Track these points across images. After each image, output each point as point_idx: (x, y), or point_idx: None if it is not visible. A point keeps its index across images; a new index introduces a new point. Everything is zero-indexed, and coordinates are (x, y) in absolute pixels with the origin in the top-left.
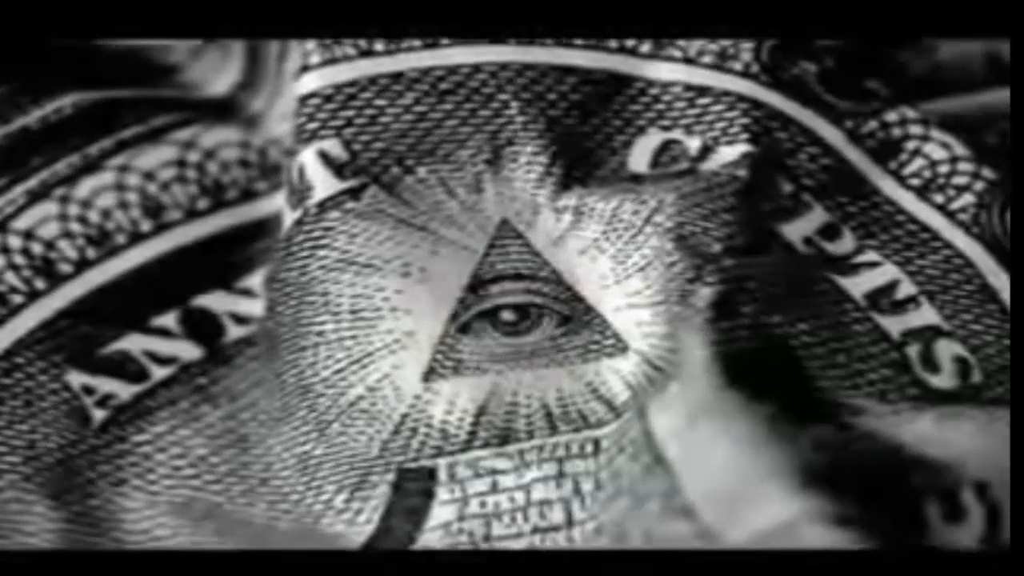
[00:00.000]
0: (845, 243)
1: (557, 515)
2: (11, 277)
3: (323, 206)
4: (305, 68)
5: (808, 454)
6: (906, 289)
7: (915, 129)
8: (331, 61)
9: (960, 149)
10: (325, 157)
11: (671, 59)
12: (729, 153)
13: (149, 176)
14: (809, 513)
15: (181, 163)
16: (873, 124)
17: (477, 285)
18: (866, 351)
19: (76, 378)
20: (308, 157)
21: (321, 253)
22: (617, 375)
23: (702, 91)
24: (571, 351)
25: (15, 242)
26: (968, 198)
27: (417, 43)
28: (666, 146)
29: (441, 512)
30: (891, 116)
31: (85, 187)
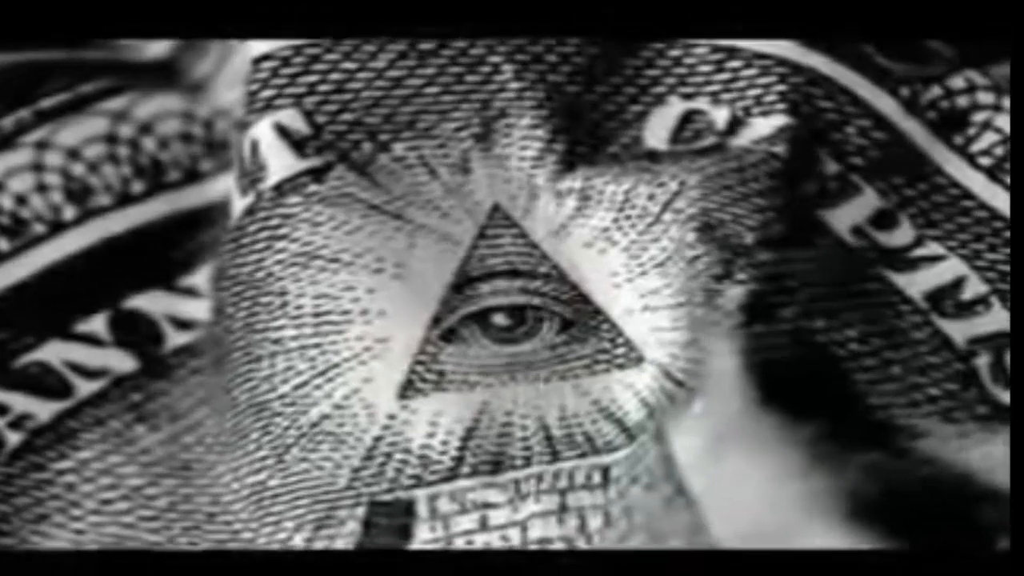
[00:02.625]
0: (902, 233)
1: None
2: None
3: (280, 189)
4: None
5: (858, 484)
6: (974, 288)
7: (985, 97)
8: None
9: None
10: (283, 131)
11: None
12: (764, 126)
13: (73, 154)
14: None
15: (111, 138)
16: (935, 91)
17: (464, 283)
18: (926, 362)
19: None
20: (262, 131)
21: (278, 245)
22: (630, 390)
23: (731, 53)
24: (575, 362)
25: None
26: None
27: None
28: (688, 118)
29: None
30: (956, 82)
31: None
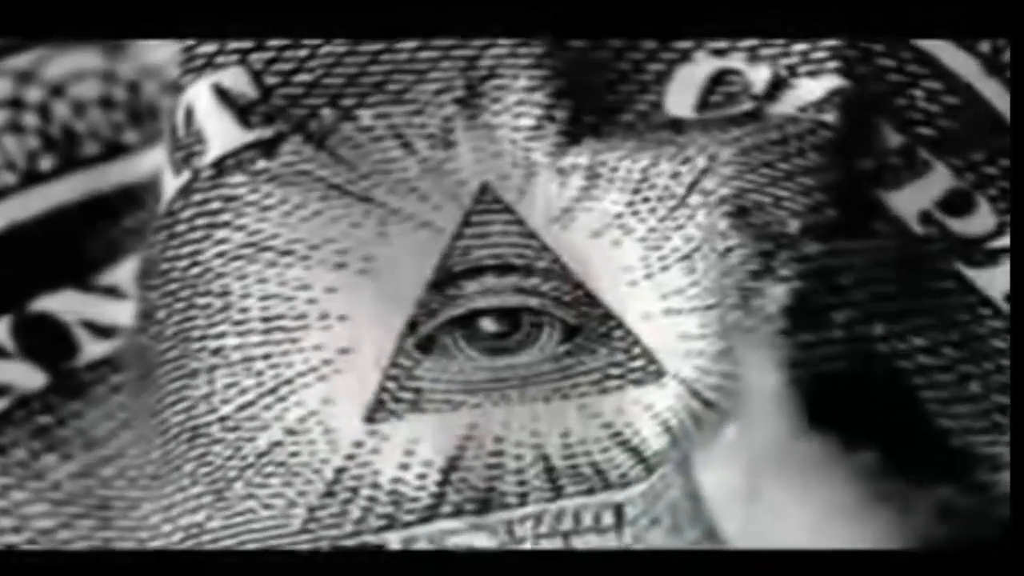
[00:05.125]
0: (980, 220)
1: None
2: None
3: (221, 166)
4: None
5: (927, 526)
6: None
7: None
8: None
9: None
10: (224, 95)
11: None
12: (812, 89)
13: None
14: None
15: (15, 103)
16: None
17: (445, 281)
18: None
19: None
20: (200, 95)
21: (219, 235)
22: (649, 412)
23: None
24: (581, 377)
25: None
26: None
27: None
28: (720, 78)
29: None
30: None
31: None
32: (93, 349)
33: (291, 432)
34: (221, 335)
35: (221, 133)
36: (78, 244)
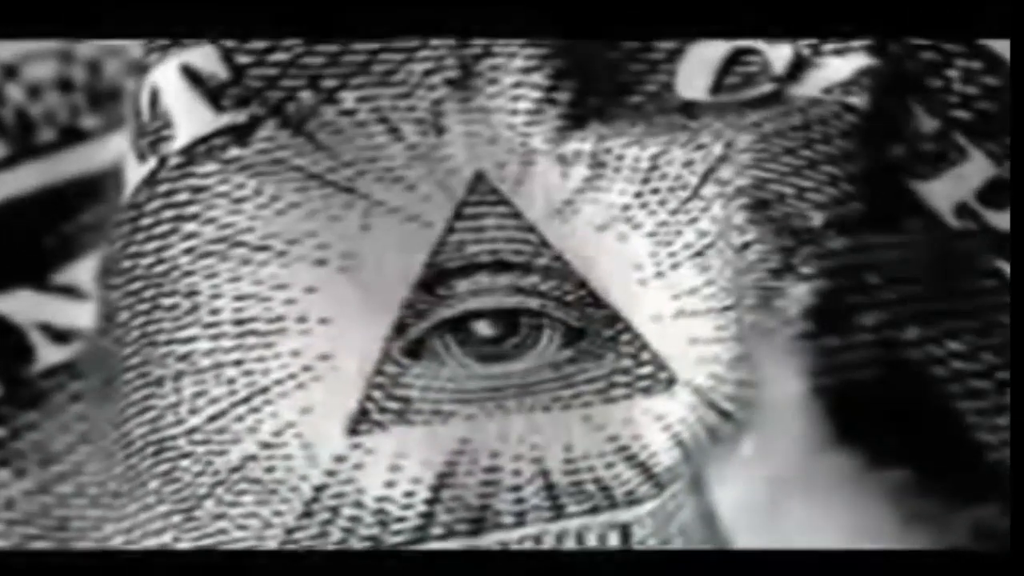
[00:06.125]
0: None
1: None
2: None
3: (191, 154)
4: None
5: (964, 548)
6: None
7: None
8: None
9: None
10: (193, 76)
11: None
12: (838, 68)
13: None
14: None
15: None
16: None
17: (435, 280)
18: None
19: None
20: (166, 76)
21: (187, 229)
22: (659, 423)
23: None
24: (585, 385)
25: None
26: None
27: None
28: (737, 58)
29: None
30: None
31: None
32: (50, 354)
33: (266, 445)
34: (189, 339)
35: (190, 117)
36: (33, 239)
